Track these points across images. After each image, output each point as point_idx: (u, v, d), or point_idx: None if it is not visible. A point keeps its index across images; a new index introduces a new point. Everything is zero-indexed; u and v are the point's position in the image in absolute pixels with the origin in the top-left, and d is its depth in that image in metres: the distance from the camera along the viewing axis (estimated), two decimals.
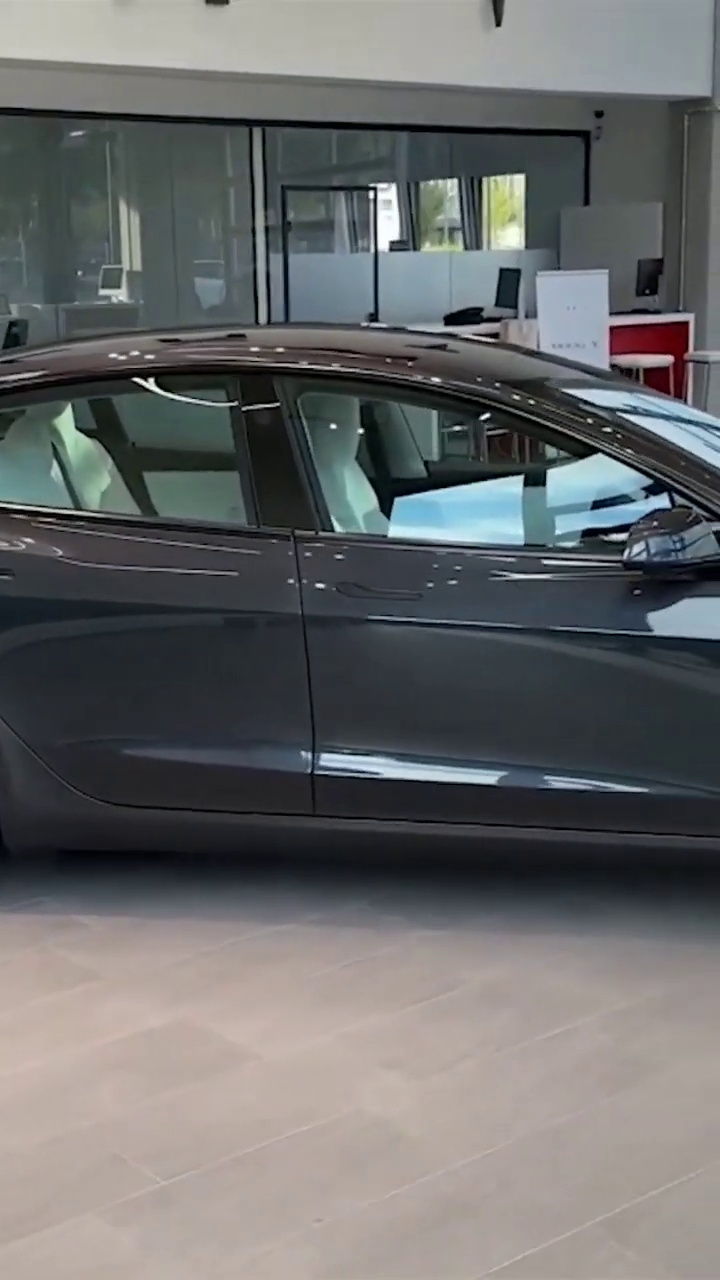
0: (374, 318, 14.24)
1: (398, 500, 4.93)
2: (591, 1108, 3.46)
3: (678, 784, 4.14)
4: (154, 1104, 3.51)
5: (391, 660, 4.26)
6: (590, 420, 4.32)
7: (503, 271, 13.34)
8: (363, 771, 4.27)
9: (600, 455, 4.28)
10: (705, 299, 14.29)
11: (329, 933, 4.34)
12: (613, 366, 13.34)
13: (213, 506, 4.60)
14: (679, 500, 4.19)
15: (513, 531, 4.68)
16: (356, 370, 4.52)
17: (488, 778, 4.22)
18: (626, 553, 4.02)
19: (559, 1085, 3.56)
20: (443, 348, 5.08)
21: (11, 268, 14.72)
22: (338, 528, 4.37)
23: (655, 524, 4.02)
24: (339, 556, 4.27)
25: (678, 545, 3.98)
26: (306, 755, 4.26)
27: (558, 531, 4.64)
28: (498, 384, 4.43)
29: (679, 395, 13.66)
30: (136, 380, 4.70)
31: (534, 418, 4.35)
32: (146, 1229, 3.07)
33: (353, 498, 4.76)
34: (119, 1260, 2.98)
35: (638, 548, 4.00)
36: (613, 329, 13.31)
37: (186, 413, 4.83)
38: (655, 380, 13.47)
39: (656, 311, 14.15)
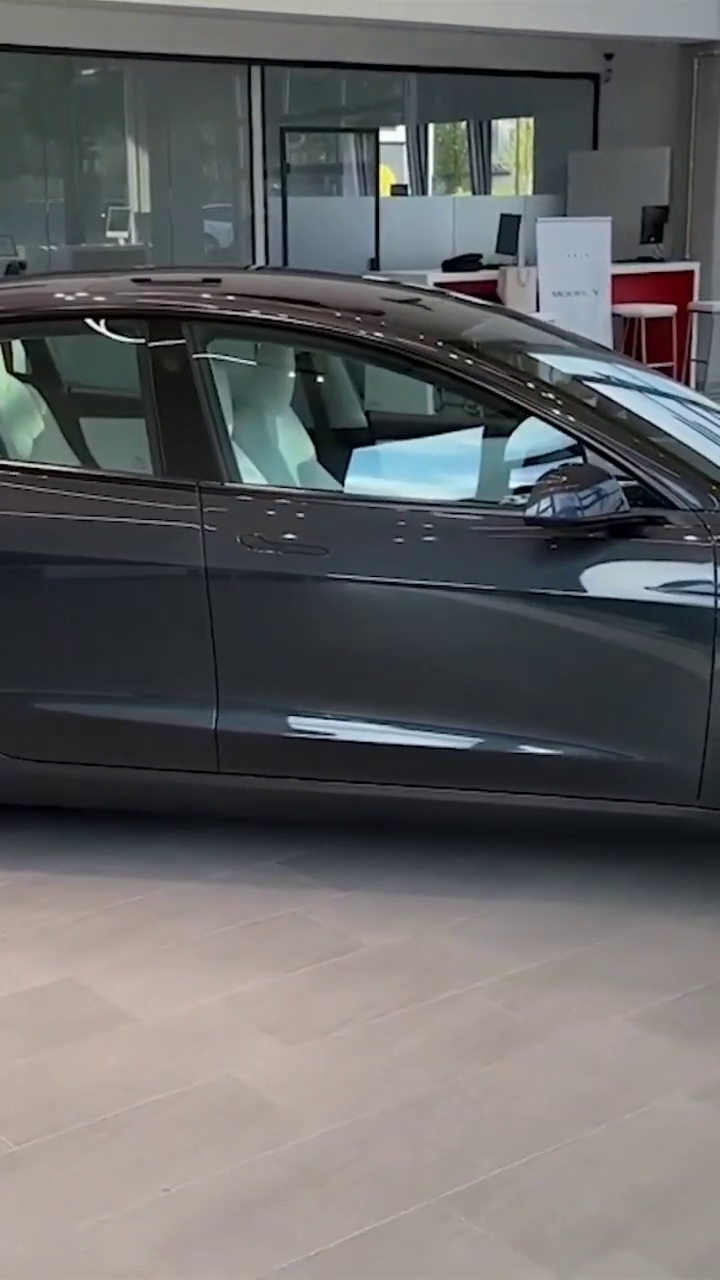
0: (374, 262, 14.09)
1: (326, 452, 4.82)
2: (464, 1076, 3.40)
3: (587, 746, 4.04)
4: (22, 1065, 3.46)
5: (296, 616, 4.17)
6: (510, 378, 4.18)
7: (503, 217, 13.13)
8: (267, 729, 4.19)
9: (521, 412, 4.17)
10: (711, 248, 14.09)
11: (235, 891, 4.28)
12: (615, 316, 13.17)
13: (123, 455, 4.50)
14: (592, 457, 4.08)
15: (429, 486, 4.56)
16: (272, 318, 4.39)
17: (395, 737, 4.14)
18: (530, 509, 3.91)
19: (436, 1053, 3.49)
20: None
21: (22, 209, 14.57)
22: (247, 479, 4.28)
23: (562, 479, 3.91)
24: (244, 509, 4.17)
25: (584, 501, 3.88)
26: (210, 711, 4.18)
27: (477, 488, 4.52)
28: (422, 338, 4.30)
29: (681, 346, 13.47)
30: (55, 323, 4.60)
31: (456, 373, 4.21)
32: None
33: (280, 448, 4.67)
34: None
35: (543, 504, 3.90)
36: (615, 278, 13.13)
37: (100, 358, 4.73)
38: (658, 330, 13.29)
39: (661, 260, 13.94)
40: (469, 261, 12.90)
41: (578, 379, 4.54)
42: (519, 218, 12.93)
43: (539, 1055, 3.48)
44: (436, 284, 12.29)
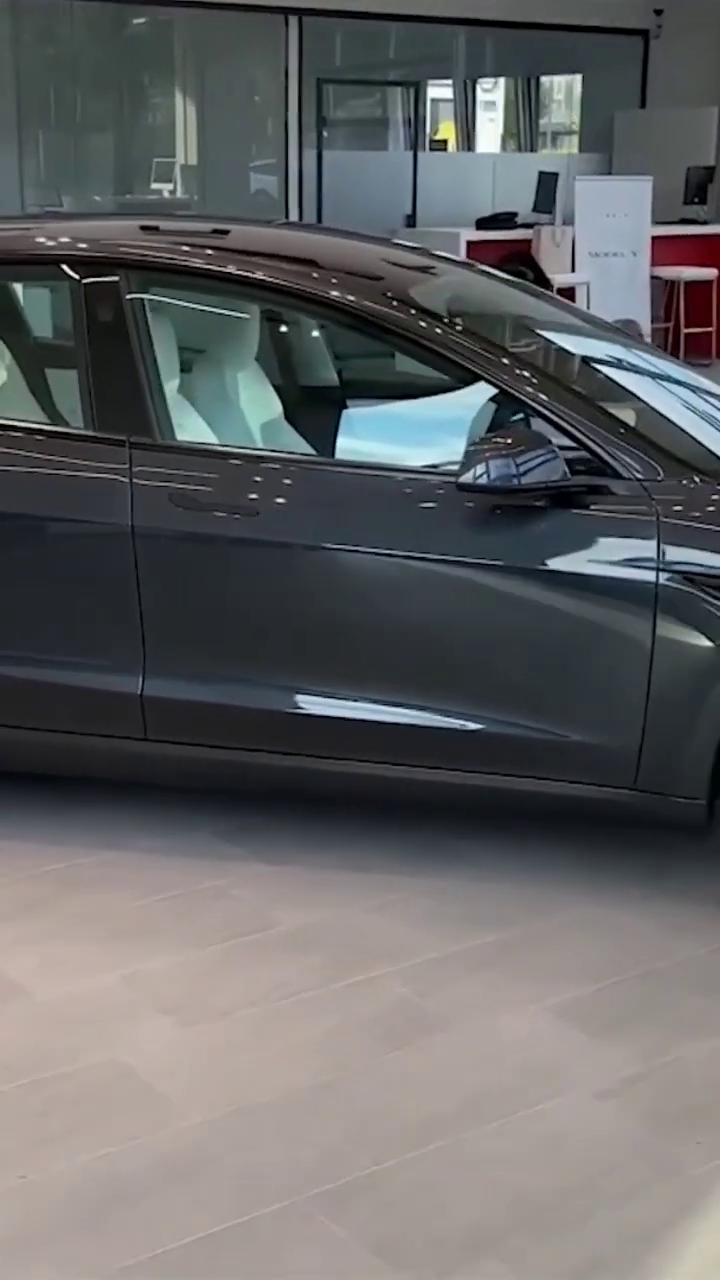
0: (411, 219, 13.85)
1: (284, 409, 4.66)
2: (359, 1067, 3.24)
3: (524, 724, 3.86)
4: None
5: (226, 579, 4.01)
6: (457, 341, 3.97)
7: (541, 175, 12.85)
8: (195, 696, 4.04)
9: (472, 377, 3.98)
10: None
11: (159, 862, 4.13)
12: (653, 279, 12.87)
13: (59, 407, 4.35)
14: (536, 424, 3.89)
15: (370, 450, 4.37)
16: (206, 265, 4.19)
17: (325, 708, 3.97)
18: (464, 474, 3.72)
19: (335, 1040, 3.34)
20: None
21: (70, 161, 14.42)
22: (184, 436, 4.11)
23: (498, 444, 3.72)
24: (175, 466, 4.00)
25: (520, 468, 3.68)
26: (137, 677, 4.04)
27: (419, 453, 4.32)
28: (370, 299, 4.10)
29: None
30: (13, 268, 4.44)
31: (406, 334, 4.02)
32: None
33: (237, 404, 4.50)
34: None
35: (478, 470, 3.71)
36: (655, 239, 12.82)
37: (46, 306, 4.57)
38: (697, 294, 12.99)
39: (704, 222, 13.61)
40: (504, 220, 12.64)
41: (541, 347, 4.35)
42: (556, 175, 12.65)
43: (441, 1047, 3.32)
44: (470, 243, 12.08)
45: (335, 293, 4.08)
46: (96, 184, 14.33)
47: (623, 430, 3.85)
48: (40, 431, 4.17)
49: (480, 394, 4.12)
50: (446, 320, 4.04)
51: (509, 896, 3.96)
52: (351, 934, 3.79)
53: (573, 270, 12.22)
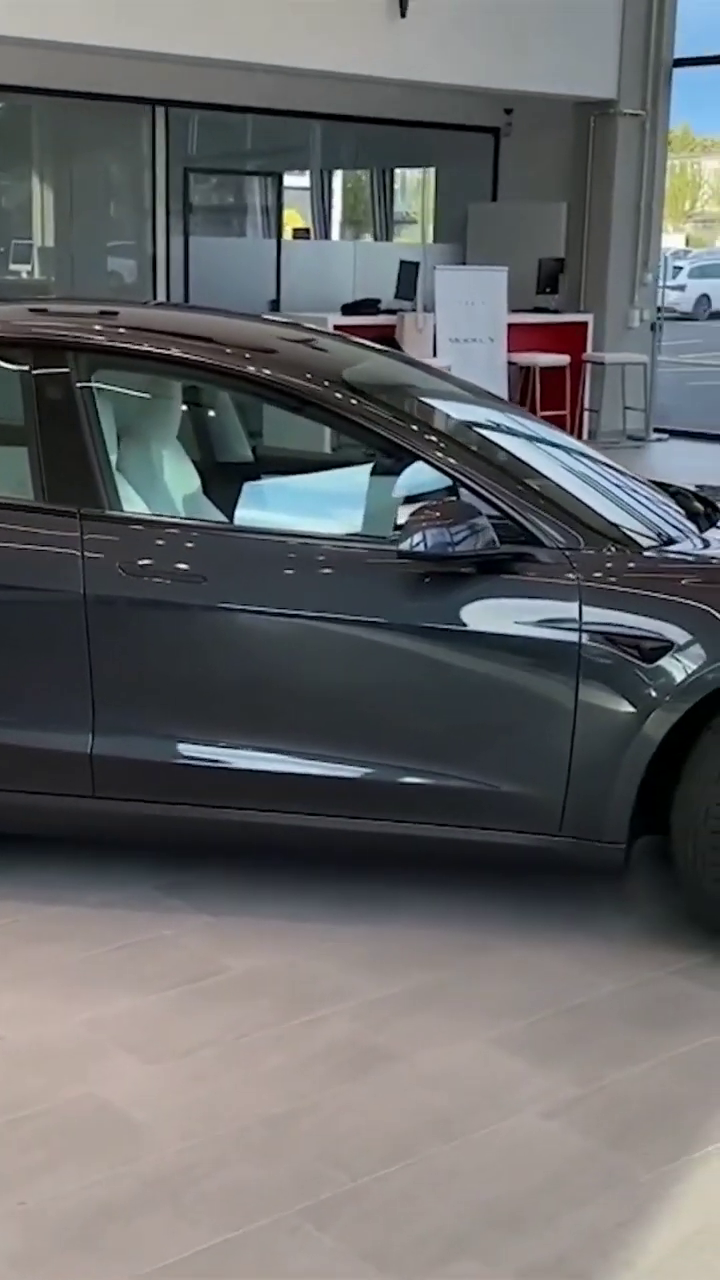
0: (275, 304, 14.22)
1: (211, 484, 4.90)
2: (320, 1095, 3.46)
3: (456, 776, 4.14)
4: None
5: (174, 643, 4.24)
6: (384, 415, 4.29)
7: (402, 263, 13.33)
8: (141, 754, 4.25)
9: (396, 449, 4.28)
10: (605, 300, 14.37)
11: (107, 915, 4.32)
12: (510, 364, 13.40)
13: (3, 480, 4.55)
14: (465, 494, 4.19)
15: (304, 518, 4.64)
16: (157, 350, 4.47)
17: (269, 764, 4.21)
18: (402, 543, 4.01)
19: (294, 1073, 3.56)
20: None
21: None
22: (128, 507, 4.35)
23: (435, 515, 4.02)
24: (124, 536, 4.24)
25: (455, 537, 3.98)
26: (86, 736, 4.23)
27: (352, 521, 4.61)
28: (305, 375, 4.41)
29: (574, 396, 13.72)
30: None
31: (328, 409, 4.33)
32: None
33: (163, 479, 4.73)
34: None
35: (415, 538, 4.00)
36: (511, 326, 13.38)
37: None
38: (551, 380, 13.53)
39: (556, 311, 14.20)
40: (368, 306, 13.08)
41: (457, 421, 4.66)
42: (418, 264, 13.13)
43: (396, 1075, 3.56)
44: (336, 327, 12.48)
45: (282, 376, 4.36)
46: None
47: (545, 502, 4.18)
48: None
49: (400, 466, 4.43)
50: (389, 403, 4.35)
51: (440, 940, 4.21)
52: (296, 978, 4.01)
53: (434, 355, 12.67)
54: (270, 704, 4.22)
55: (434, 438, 4.29)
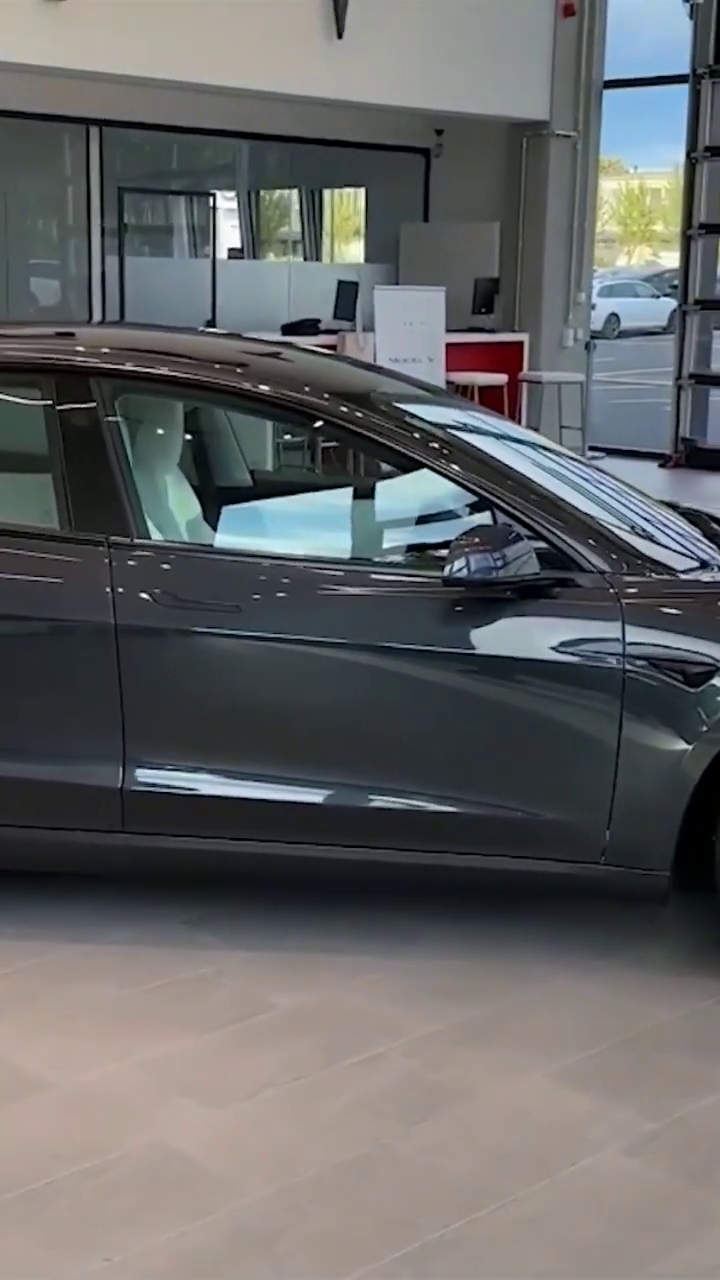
0: (211, 324, 14.12)
1: (220, 509, 4.82)
2: (393, 1138, 3.38)
3: (498, 805, 4.08)
4: None
5: (207, 673, 4.15)
6: (418, 435, 4.27)
7: (341, 284, 13.30)
8: (174, 787, 4.15)
9: (427, 471, 4.23)
10: (539, 320, 14.43)
11: (137, 953, 4.21)
12: (448, 384, 13.39)
13: (24, 509, 4.43)
14: (501, 518, 4.14)
15: (335, 544, 4.58)
16: (181, 374, 4.39)
17: (304, 795, 4.13)
18: (446, 569, 3.95)
19: (361, 1114, 3.47)
20: (276, 356, 4.97)
21: None
22: (155, 535, 4.25)
23: (476, 540, 3.96)
24: (155, 565, 4.14)
25: (498, 563, 3.93)
26: (117, 769, 4.12)
27: (382, 545, 4.55)
28: (327, 395, 4.35)
29: (513, 414, 13.74)
30: None
31: (362, 430, 4.28)
32: None
33: (173, 505, 4.64)
34: None
35: (458, 564, 3.94)
36: (449, 346, 13.36)
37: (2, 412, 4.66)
38: (489, 399, 13.52)
39: (492, 330, 14.23)
40: (308, 326, 13.02)
41: (490, 446, 4.59)
42: (357, 284, 13.10)
43: (463, 1114, 3.48)
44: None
45: (309, 399, 4.30)
46: None
47: (583, 527, 4.13)
48: (12, 531, 4.25)
49: (423, 490, 4.39)
50: (413, 424, 4.29)
51: (475, 973, 4.14)
52: (343, 1014, 3.92)
53: None
54: (307, 735, 4.14)
55: (473, 464, 4.23)
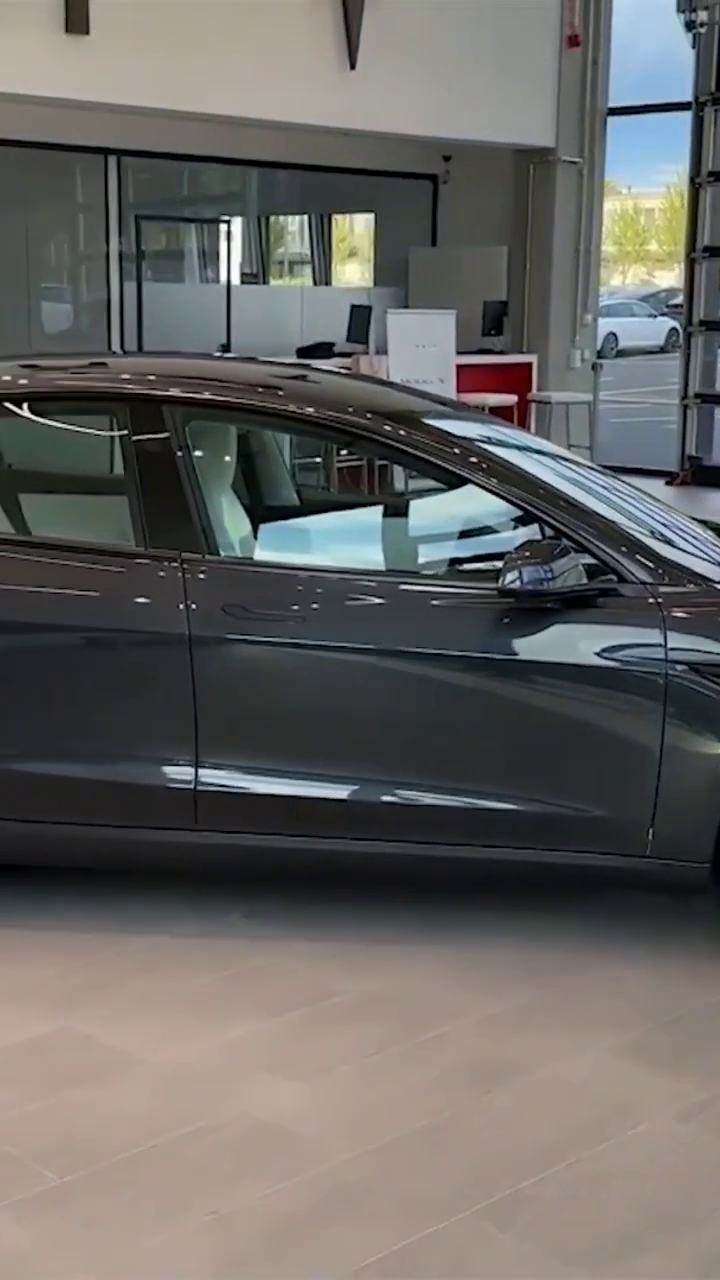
0: (226, 348, 14.41)
1: (276, 526, 5.09)
2: (465, 1107, 3.64)
3: (549, 802, 4.34)
4: (43, 1107, 3.61)
5: (273, 679, 4.42)
6: (460, 452, 4.54)
7: (354, 308, 13.60)
8: (243, 787, 4.42)
9: (472, 487, 4.50)
10: (547, 341, 14.74)
11: (206, 944, 4.47)
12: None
13: (97, 529, 4.71)
14: (549, 532, 4.42)
15: (390, 558, 4.86)
16: (239, 400, 4.68)
17: (364, 794, 4.39)
18: (501, 580, 4.23)
19: (432, 1086, 3.73)
20: (303, 378, 5.24)
21: None
22: (223, 552, 4.53)
23: (528, 554, 4.24)
24: (224, 579, 4.42)
25: (548, 574, 4.20)
26: (189, 770, 4.39)
27: (431, 558, 4.83)
28: (369, 414, 4.63)
29: None
30: (26, 405, 4.82)
31: (408, 449, 4.55)
32: (45, 1224, 3.17)
33: (231, 523, 4.91)
34: (18, 1253, 3.08)
35: (511, 575, 4.22)
36: (459, 367, 13.65)
37: (72, 438, 4.93)
38: (500, 418, 13.82)
39: (501, 352, 14.54)
40: (322, 349, 13.31)
41: (536, 463, 4.86)
42: (370, 308, 13.41)
43: (530, 1086, 3.75)
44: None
45: (357, 419, 4.58)
46: None
47: (626, 539, 4.41)
48: (90, 549, 4.52)
49: (463, 500, 4.67)
50: (455, 441, 4.58)
51: (529, 960, 4.41)
52: (408, 998, 4.19)
53: None
54: (368, 737, 4.41)
55: (520, 480, 4.51)
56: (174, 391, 4.62)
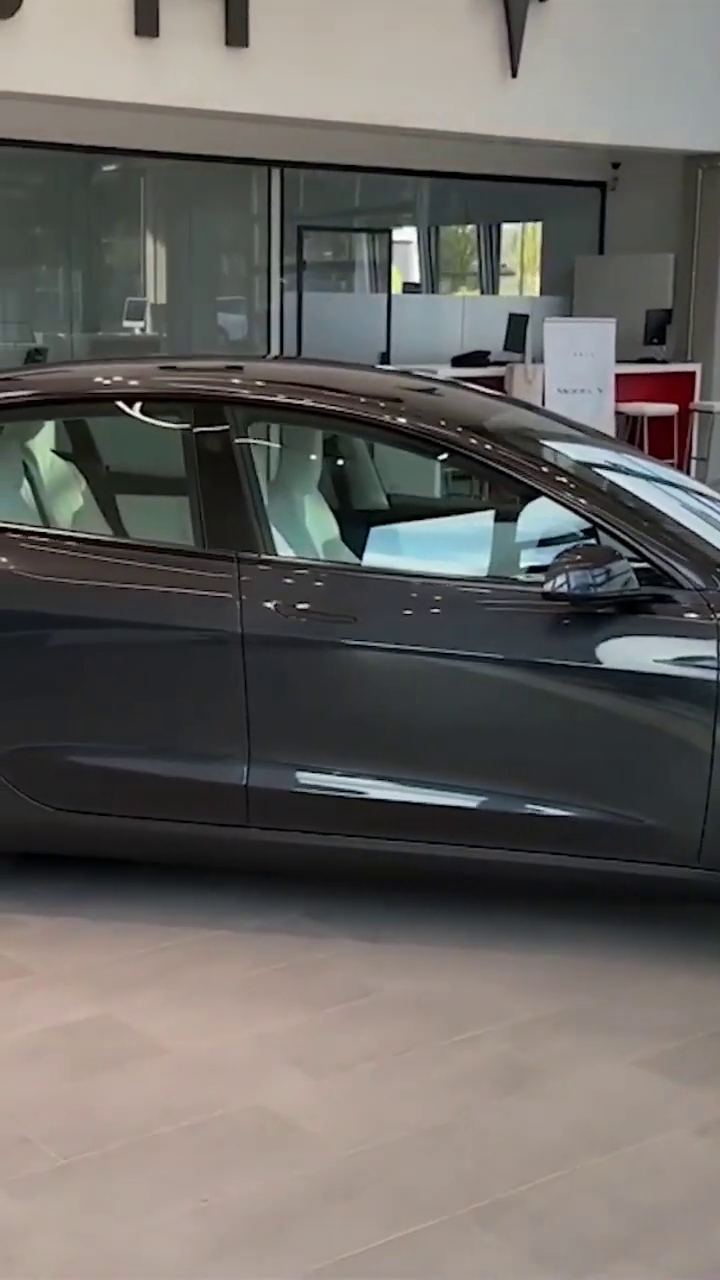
0: (385, 357, 14.50)
1: (349, 529, 5.13)
2: (479, 1108, 3.64)
3: (597, 809, 4.31)
4: (66, 1090, 3.70)
5: (325, 679, 4.46)
6: (532, 463, 4.51)
7: (511, 316, 13.56)
8: (295, 785, 4.46)
9: (538, 496, 4.48)
10: (712, 350, 14.51)
11: (263, 939, 4.53)
12: (618, 414, 13.57)
13: (166, 527, 4.80)
14: (605, 539, 4.38)
15: (449, 562, 4.86)
16: (302, 403, 4.72)
17: (415, 796, 4.41)
18: (547, 584, 4.21)
19: (453, 1087, 3.74)
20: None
21: (40, 298, 15.04)
22: (282, 552, 4.58)
23: (576, 558, 4.22)
24: (279, 579, 4.47)
25: (597, 579, 4.17)
26: (242, 768, 4.46)
27: (493, 563, 4.82)
28: (443, 422, 4.63)
29: (683, 444, 13.87)
30: (102, 405, 4.94)
31: (483, 459, 4.55)
32: (40, 1202, 3.25)
33: (307, 524, 4.97)
34: (9, 1229, 3.17)
35: (558, 580, 4.20)
36: (619, 377, 13.54)
37: (147, 437, 5.04)
38: (659, 429, 13.68)
39: (664, 361, 14.37)
40: (478, 358, 13.31)
41: (589, 465, 4.85)
42: (527, 317, 13.36)
43: (548, 1091, 3.73)
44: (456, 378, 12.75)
45: (424, 425, 4.60)
46: (67, 322, 14.89)
47: (681, 545, 4.36)
48: (151, 547, 4.63)
49: (532, 510, 4.65)
50: (526, 449, 4.56)
51: (573, 967, 4.38)
52: (446, 1000, 4.19)
53: (543, 405, 12.87)
54: (418, 738, 4.42)
55: (570, 483, 4.48)
56: (235, 392, 4.70)
